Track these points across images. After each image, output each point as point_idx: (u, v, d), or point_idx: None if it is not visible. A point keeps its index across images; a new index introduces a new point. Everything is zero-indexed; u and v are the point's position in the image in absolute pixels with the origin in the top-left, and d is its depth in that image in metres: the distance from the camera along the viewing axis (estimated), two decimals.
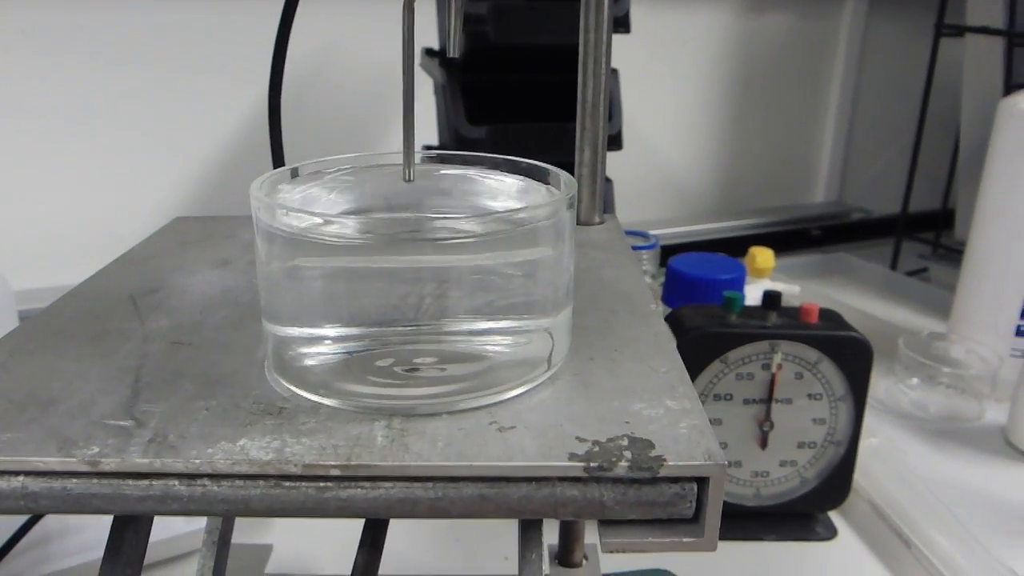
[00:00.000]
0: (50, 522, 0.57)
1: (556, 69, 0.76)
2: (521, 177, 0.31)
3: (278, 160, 0.48)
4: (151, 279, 0.38)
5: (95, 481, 0.24)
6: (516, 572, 0.47)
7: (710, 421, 0.54)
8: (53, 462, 0.24)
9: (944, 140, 1.14)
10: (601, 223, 0.47)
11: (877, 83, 1.33)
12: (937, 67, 1.05)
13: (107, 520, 0.60)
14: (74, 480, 0.24)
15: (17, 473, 0.24)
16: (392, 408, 0.26)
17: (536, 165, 0.30)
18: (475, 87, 0.77)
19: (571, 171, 0.48)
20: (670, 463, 0.23)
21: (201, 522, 0.58)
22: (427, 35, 0.85)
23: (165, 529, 0.57)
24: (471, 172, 0.32)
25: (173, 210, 0.93)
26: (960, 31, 1.01)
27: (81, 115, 0.86)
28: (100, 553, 0.60)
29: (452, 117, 0.76)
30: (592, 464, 0.23)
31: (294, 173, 0.31)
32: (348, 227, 0.25)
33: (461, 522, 0.60)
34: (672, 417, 0.25)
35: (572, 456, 0.23)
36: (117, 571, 0.31)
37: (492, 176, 0.32)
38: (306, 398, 0.27)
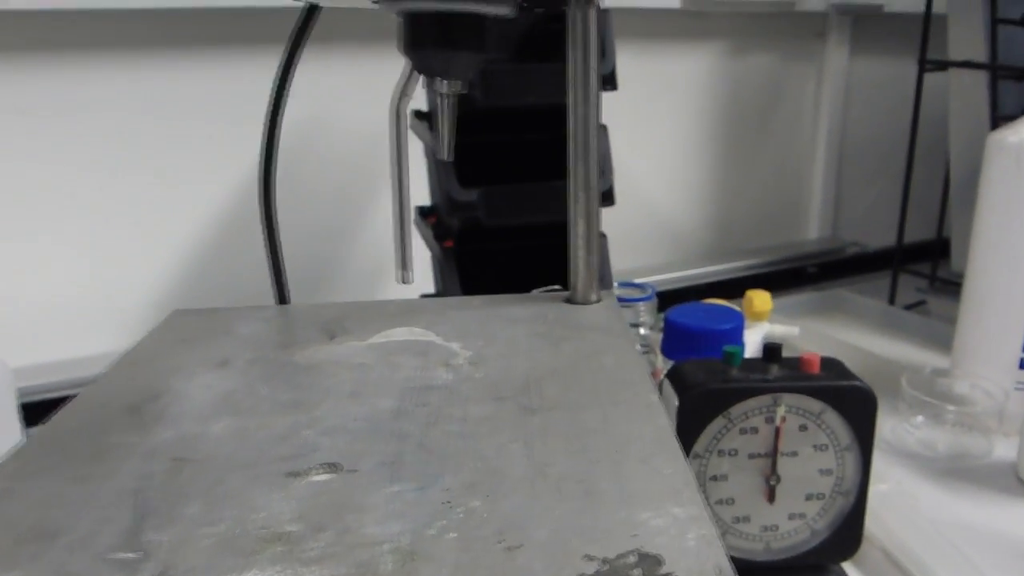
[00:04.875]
0: None
1: (545, 128, 0.77)
2: None
3: (270, 229, 0.49)
4: (152, 385, 0.38)
5: None
6: None
7: (715, 477, 0.53)
8: None
9: (934, 170, 1.15)
10: (598, 300, 0.47)
11: (864, 118, 1.34)
12: (923, 98, 1.05)
13: None
14: None
15: None
16: None
17: None
18: (465, 149, 0.78)
19: (566, 233, 0.48)
20: None
21: None
22: (417, 98, 0.86)
23: None
24: None
25: (168, 281, 0.94)
26: (943, 66, 1.02)
27: (74, 190, 0.87)
28: None
29: (444, 180, 0.77)
30: None
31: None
32: None
33: None
34: (679, 527, 0.25)
35: None
36: None
37: None
38: None
